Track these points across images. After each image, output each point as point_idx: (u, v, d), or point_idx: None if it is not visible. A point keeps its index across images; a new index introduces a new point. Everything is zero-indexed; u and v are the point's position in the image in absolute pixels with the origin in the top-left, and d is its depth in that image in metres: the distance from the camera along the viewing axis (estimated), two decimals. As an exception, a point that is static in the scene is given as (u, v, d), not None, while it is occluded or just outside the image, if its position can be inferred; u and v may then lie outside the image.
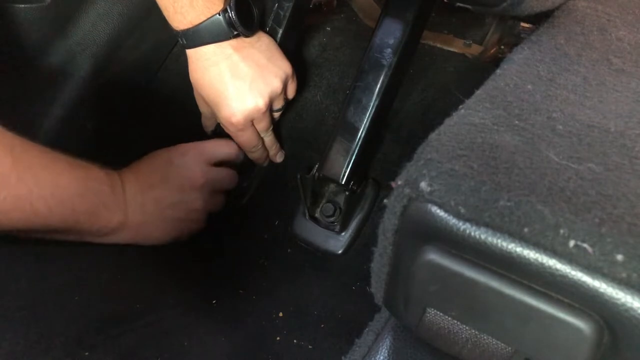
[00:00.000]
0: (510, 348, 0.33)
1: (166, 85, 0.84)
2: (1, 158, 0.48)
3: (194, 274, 0.70)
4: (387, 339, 0.46)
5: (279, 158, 0.77)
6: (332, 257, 0.72)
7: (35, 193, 0.51)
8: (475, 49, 0.83)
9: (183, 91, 0.84)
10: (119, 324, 0.60)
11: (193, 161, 0.67)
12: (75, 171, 0.56)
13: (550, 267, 0.30)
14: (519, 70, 0.43)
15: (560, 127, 0.37)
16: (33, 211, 0.51)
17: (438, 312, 0.35)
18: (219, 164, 0.70)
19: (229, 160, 0.72)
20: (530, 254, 0.30)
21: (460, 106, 0.39)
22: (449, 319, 0.35)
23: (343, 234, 0.72)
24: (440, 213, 0.32)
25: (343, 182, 0.68)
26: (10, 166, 0.49)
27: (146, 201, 0.63)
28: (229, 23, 0.60)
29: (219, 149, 0.70)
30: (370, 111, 0.68)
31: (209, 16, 0.59)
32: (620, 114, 0.39)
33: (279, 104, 0.69)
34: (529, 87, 0.41)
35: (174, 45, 0.85)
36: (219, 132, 0.74)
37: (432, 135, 0.36)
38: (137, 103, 0.82)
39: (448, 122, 0.38)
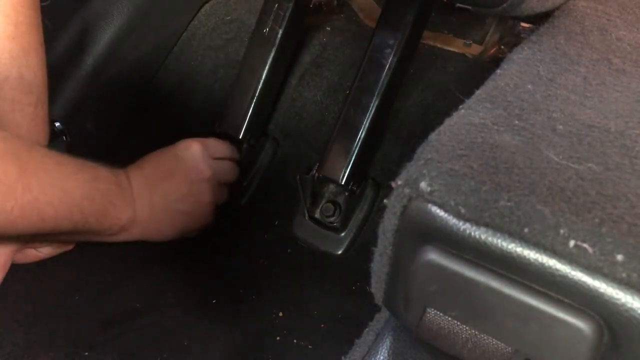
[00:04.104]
0: (510, 348, 0.33)
1: (166, 85, 0.84)
2: (8, 169, 0.47)
3: (194, 274, 0.70)
4: (387, 339, 0.46)
5: None
6: (332, 257, 0.72)
7: (42, 200, 0.50)
8: (475, 49, 0.82)
9: (183, 91, 0.85)
10: (119, 324, 0.60)
11: (198, 154, 0.67)
12: (81, 173, 0.55)
13: (550, 267, 0.30)
14: (519, 70, 0.43)
15: (561, 127, 0.37)
16: (40, 218, 0.50)
17: (438, 312, 0.35)
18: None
19: (228, 158, 0.73)
20: (530, 254, 0.30)
21: (460, 106, 0.39)
22: (449, 319, 0.35)
23: (343, 234, 0.72)
24: (440, 213, 0.32)
25: (343, 183, 0.68)
26: (17, 177, 0.48)
27: (154, 196, 0.63)
28: None
29: (220, 145, 0.72)
30: (370, 111, 0.68)
31: None
32: (620, 114, 0.39)
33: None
34: (529, 87, 0.41)
35: (174, 45, 0.85)
36: (219, 133, 0.74)
37: (432, 135, 0.36)
38: (137, 103, 0.82)
39: (448, 122, 0.37)
